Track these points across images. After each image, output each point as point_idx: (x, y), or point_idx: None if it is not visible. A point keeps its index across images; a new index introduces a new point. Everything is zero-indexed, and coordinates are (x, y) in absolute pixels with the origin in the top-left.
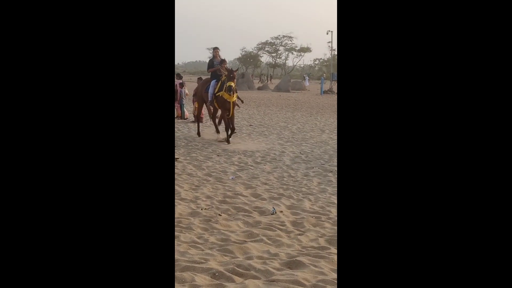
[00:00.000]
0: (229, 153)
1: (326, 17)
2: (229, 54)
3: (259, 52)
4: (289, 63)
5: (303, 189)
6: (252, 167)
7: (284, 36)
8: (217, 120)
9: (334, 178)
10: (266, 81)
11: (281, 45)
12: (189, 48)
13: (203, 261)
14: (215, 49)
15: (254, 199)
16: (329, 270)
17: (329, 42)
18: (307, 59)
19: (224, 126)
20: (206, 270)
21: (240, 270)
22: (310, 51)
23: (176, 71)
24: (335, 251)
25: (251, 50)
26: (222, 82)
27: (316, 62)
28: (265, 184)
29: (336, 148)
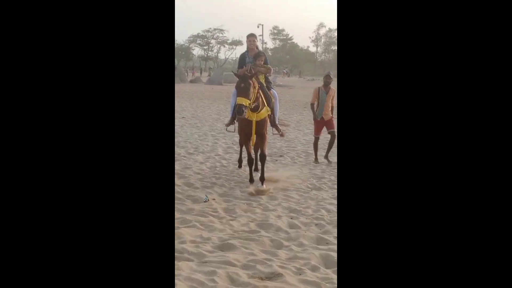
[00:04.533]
0: None
1: (257, 11)
2: None
3: (190, 45)
4: (221, 56)
5: (235, 178)
6: (185, 158)
7: (215, 29)
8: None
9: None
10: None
11: (212, 38)
12: None
13: None
14: (250, 37)
15: (187, 188)
16: (259, 251)
17: (260, 35)
18: (239, 52)
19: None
20: None
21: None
22: (242, 44)
23: None
24: (266, 234)
25: (182, 43)
26: None
27: None
28: (198, 173)
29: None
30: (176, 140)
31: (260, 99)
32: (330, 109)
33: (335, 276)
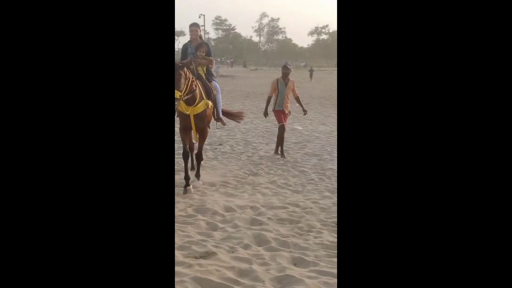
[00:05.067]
0: None
1: (199, 1)
2: None
3: None
4: None
5: (175, 166)
6: None
7: None
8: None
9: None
10: None
11: None
12: None
13: None
14: (192, 27)
15: None
16: (195, 233)
17: (202, 25)
18: (182, 43)
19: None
20: None
21: None
22: (184, 35)
23: None
24: (202, 217)
25: None
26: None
27: None
28: None
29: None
30: None
31: (198, 92)
32: (288, 101)
33: (265, 253)
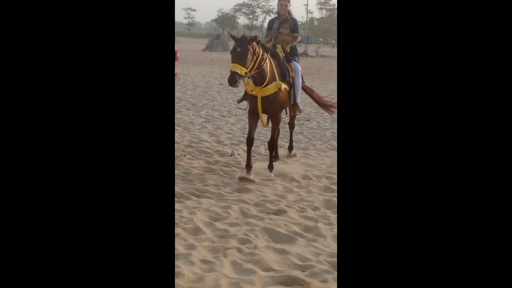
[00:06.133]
0: (198, 108)
1: None
2: (206, 15)
3: (236, 14)
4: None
5: (261, 138)
6: (218, 120)
7: None
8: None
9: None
10: None
11: (258, 7)
12: None
13: None
14: (281, 1)
15: (216, 144)
16: (271, 194)
17: (305, 4)
18: None
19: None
20: None
21: (197, 192)
22: None
23: None
24: (280, 182)
25: (228, 11)
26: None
27: None
28: (228, 133)
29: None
30: (211, 103)
31: (268, 71)
32: None
33: (332, 215)
